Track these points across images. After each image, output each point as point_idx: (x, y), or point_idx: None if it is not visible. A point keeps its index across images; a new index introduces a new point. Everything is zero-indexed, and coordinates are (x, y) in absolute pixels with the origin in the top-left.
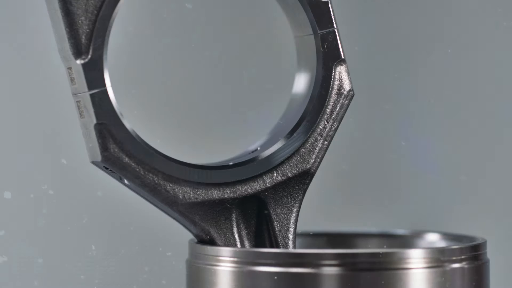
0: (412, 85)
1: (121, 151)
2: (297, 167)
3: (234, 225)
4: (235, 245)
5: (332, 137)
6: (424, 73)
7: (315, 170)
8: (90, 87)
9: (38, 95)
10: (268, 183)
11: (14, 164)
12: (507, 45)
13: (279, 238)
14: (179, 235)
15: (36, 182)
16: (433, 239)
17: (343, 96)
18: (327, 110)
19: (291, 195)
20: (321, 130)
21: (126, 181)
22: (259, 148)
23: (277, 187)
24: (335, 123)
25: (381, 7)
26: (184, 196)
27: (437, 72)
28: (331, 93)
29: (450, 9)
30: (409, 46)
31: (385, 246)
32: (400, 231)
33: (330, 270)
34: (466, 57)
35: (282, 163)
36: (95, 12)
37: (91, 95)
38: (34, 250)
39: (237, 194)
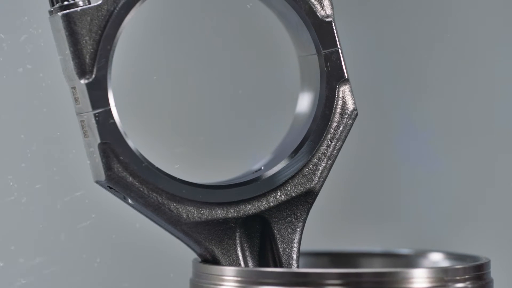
0: (414, 105)
1: (125, 170)
2: (300, 186)
3: (238, 245)
4: (239, 265)
5: (335, 157)
6: (427, 94)
7: (319, 190)
8: (94, 107)
9: (42, 114)
10: (272, 202)
11: (19, 182)
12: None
13: (283, 258)
14: (183, 254)
15: (39, 199)
16: (437, 258)
17: (346, 116)
18: (331, 129)
19: (294, 214)
20: (324, 149)
21: (130, 201)
22: (262, 168)
23: (280, 207)
24: (339, 143)
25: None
26: (188, 216)
27: (441, 92)
28: (334, 113)
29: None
30: (411, 67)
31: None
32: (403, 250)
33: None
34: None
35: (285, 182)
36: (99, 32)
37: (95, 115)
38: (34, 267)
39: (241, 214)
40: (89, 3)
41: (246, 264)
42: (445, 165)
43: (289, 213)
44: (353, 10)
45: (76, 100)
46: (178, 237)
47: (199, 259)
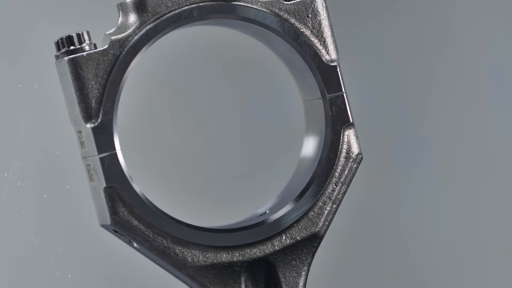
0: (419, 149)
1: (130, 214)
2: (306, 230)
3: None
4: None
5: (340, 201)
6: (433, 137)
7: (324, 233)
8: (99, 151)
9: (48, 159)
10: (277, 246)
11: (25, 228)
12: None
13: None
14: None
15: (47, 240)
16: None
17: (351, 160)
18: (336, 173)
19: (300, 258)
20: (329, 193)
21: (135, 244)
22: (267, 211)
23: (286, 250)
24: (344, 187)
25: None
26: (193, 259)
27: (448, 137)
28: (339, 157)
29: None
30: (417, 111)
31: None
32: None
33: None
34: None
35: (290, 226)
36: (105, 76)
37: (101, 159)
38: None
39: (246, 257)
40: (95, 48)
41: None
42: (450, 208)
43: (294, 257)
44: (358, 53)
45: (82, 144)
46: (183, 281)
47: None
